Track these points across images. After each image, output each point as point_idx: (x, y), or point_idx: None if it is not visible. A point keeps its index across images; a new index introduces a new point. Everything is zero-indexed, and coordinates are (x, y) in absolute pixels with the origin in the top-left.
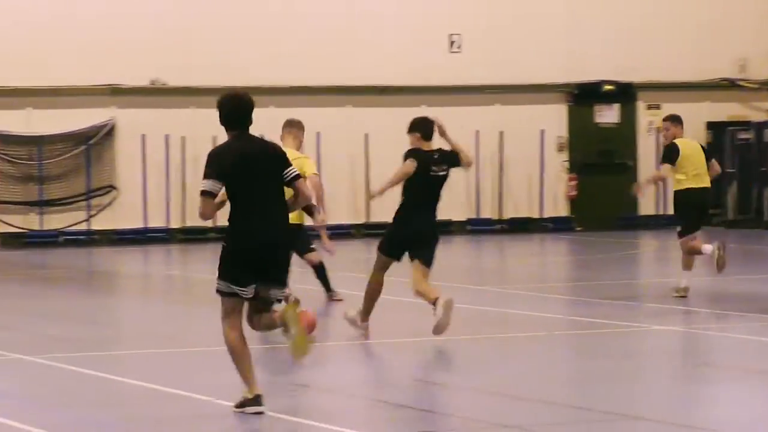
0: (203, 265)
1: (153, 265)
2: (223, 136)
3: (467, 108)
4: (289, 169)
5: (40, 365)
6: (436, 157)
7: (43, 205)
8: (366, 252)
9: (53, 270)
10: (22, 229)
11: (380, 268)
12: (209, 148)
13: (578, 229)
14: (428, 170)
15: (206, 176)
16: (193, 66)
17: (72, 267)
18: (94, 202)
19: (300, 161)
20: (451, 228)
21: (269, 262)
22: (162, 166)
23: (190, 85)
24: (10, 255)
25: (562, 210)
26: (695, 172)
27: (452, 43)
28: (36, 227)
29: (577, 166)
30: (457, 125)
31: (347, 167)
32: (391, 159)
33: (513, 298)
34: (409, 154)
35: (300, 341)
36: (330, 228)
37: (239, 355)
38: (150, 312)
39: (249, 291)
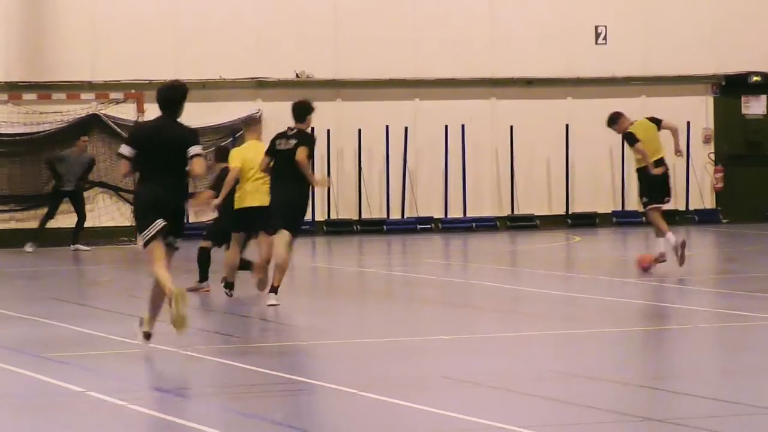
0: (348, 258)
1: (297, 257)
2: (367, 129)
3: (612, 100)
4: (190, 149)
5: (189, 357)
6: None
7: (191, 198)
8: (510, 244)
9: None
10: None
11: None
12: (354, 140)
13: (725, 221)
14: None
15: (124, 143)
16: (338, 59)
17: (220, 261)
18: None
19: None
20: (596, 220)
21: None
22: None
23: (336, 77)
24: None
25: (709, 202)
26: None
27: (598, 34)
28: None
29: (723, 158)
30: (602, 117)
31: (492, 159)
32: (535, 151)
33: (658, 291)
34: None
35: (178, 318)
36: (474, 220)
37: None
38: (295, 304)
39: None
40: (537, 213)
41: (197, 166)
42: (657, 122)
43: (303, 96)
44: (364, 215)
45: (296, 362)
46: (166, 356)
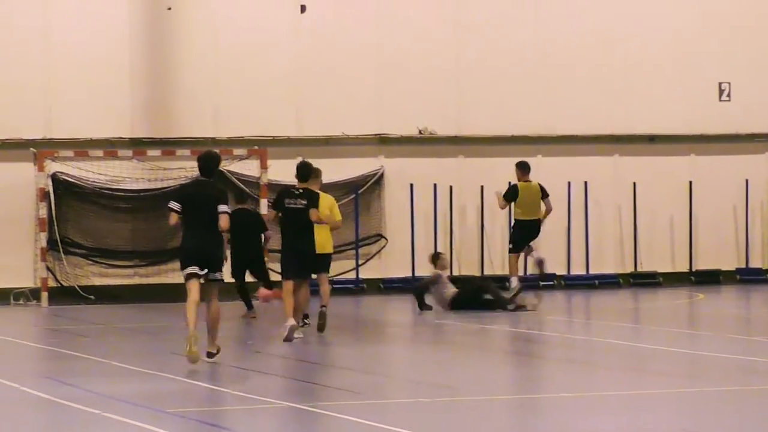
0: (470, 315)
1: (421, 313)
2: (490, 185)
3: (736, 156)
4: (219, 207)
5: (309, 413)
6: None
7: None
8: (633, 301)
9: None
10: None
11: None
12: (477, 197)
13: None
14: None
15: (173, 199)
16: (461, 115)
17: (341, 315)
18: (363, 250)
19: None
20: (720, 277)
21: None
22: (430, 215)
23: (458, 134)
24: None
25: None
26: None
27: (722, 91)
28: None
29: None
30: (726, 174)
31: (614, 216)
32: (658, 207)
33: None
34: None
35: (191, 355)
36: (596, 276)
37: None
38: (416, 359)
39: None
40: (660, 270)
41: (223, 222)
42: (544, 192)
43: (426, 152)
44: (486, 271)
45: (431, 420)
46: (291, 413)
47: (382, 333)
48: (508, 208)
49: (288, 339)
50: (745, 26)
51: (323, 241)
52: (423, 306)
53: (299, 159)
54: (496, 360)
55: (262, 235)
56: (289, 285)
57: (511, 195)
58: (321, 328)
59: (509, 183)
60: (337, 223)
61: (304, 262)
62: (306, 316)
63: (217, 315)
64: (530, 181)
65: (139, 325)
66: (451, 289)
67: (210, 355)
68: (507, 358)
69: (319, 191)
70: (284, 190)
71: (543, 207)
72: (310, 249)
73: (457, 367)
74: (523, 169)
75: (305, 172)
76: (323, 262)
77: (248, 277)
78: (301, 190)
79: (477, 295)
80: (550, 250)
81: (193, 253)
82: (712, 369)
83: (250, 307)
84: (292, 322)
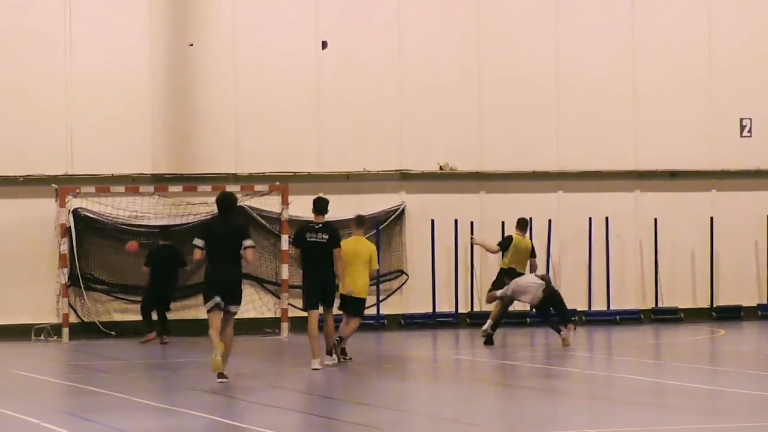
0: (490, 351)
1: (442, 349)
2: (510, 221)
3: (758, 192)
4: (244, 242)
5: None
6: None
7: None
8: (654, 337)
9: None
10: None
11: None
12: (497, 232)
13: None
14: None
15: (197, 236)
16: (482, 151)
17: (362, 351)
18: (384, 286)
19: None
20: (741, 313)
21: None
22: (451, 251)
23: (480, 170)
24: (296, 338)
25: None
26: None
27: (743, 127)
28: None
29: None
30: (748, 210)
31: (636, 252)
32: (679, 243)
33: None
34: None
35: (215, 362)
36: (617, 312)
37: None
38: (441, 396)
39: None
40: (681, 306)
41: (249, 255)
42: (533, 252)
43: (447, 188)
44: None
45: None
46: None
47: (404, 369)
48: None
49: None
50: (767, 60)
51: (363, 285)
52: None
53: (320, 194)
54: (518, 396)
55: (180, 270)
56: (313, 317)
57: (504, 244)
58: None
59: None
60: (373, 272)
61: (325, 294)
62: (344, 351)
63: (230, 342)
64: (524, 237)
65: (160, 361)
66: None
67: (221, 375)
68: (529, 393)
69: (364, 238)
70: (304, 225)
71: (529, 265)
72: (329, 281)
73: (480, 404)
74: (522, 226)
75: (321, 206)
76: (358, 305)
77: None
78: (320, 225)
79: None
80: (571, 285)
81: (218, 285)
82: (733, 405)
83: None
84: (317, 365)
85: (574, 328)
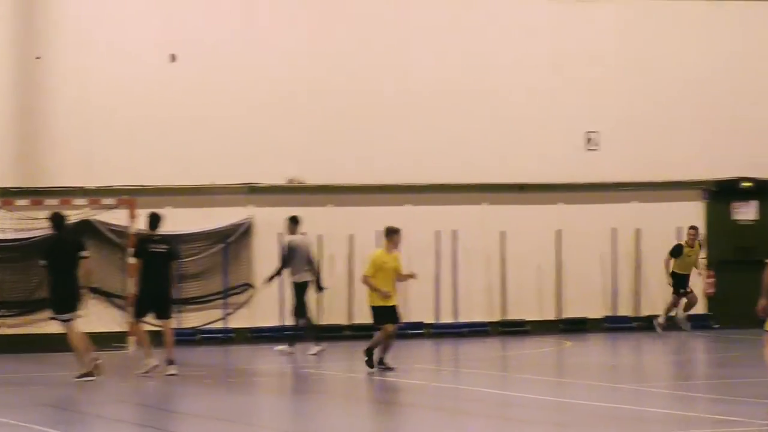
0: (338, 363)
1: (289, 362)
2: (359, 234)
3: (603, 205)
4: (80, 253)
5: None
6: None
7: (181, 303)
8: (501, 349)
9: (190, 368)
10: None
11: None
12: (346, 246)
13: (716, 326)
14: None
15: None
16: (330, 164)
17: (209, 365)
18: (231, 300)
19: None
20: (587, 325)
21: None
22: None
23: (328, 183)
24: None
25: (700, 307)
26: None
27: (589, 140)
28: (173, 325)
29: (714, 263)
30: (594, 223)
31: (483, 264)
32: (527, 256)
33: (649, 397)
34: None
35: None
36: (465, 325)
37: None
38: (287, 409)
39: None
40: (528, 318)
41: (86, 265)
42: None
43: (295, 201)
44: (356, 320)
45: None
46: None
47: (249, 382)
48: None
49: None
50: (612, 76)
51: (395, 292)
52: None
53: (168, 208)
54: (362, 409)
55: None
56: (141, 325)
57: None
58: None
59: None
60: (404, 278)
61: (159, 303)
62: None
63: (78, 345)
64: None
65: (7, 376)
66: None
67: (83, 375)
68: (373, 406)
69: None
70: (145, 236)
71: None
72: (165, 291)
73: (322, 417)
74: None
75: (155, 221)
76: (395, 311)
77: None
78: (159, 236)
79: None
80: (419, 298)
81: (51, 295)
82: (578, 417)
83: None
84: (154, 362)
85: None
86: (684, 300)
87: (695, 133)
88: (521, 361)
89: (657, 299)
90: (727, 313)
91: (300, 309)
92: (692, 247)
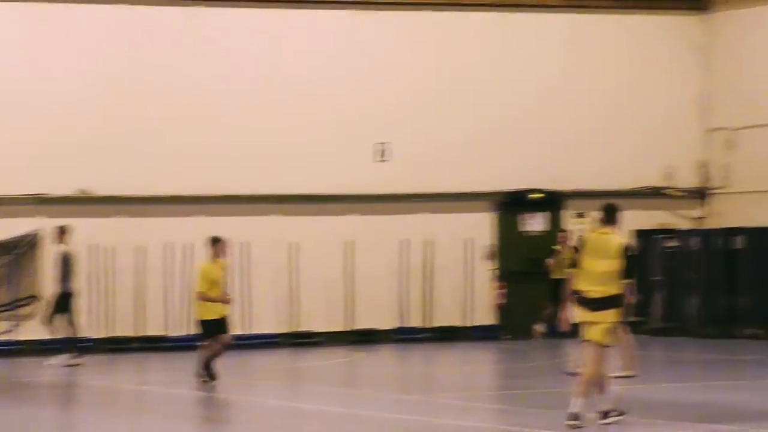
0: (127, 375)
1: (76, 374)
2: (151, 247)
3: (395, 216)
4: None
5: None
6: None
7: None
8: (292, 361)
9: None
10: None
11: None
12: (134, 257)
13: (506, 337)
14: None
15: None
16: (120, 175)
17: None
18: (21, 311)
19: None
20: (377, 337)
21: None
22: (93, 276)
23: (117, 194)
24: None
25: (490, 318)
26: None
27: (380, 151)
28: None
29: (505, 275)
30: (384, 234)
31: (274, 276)
32: (319, 267)
33: (440, 408)
34: None
35: None
36: (255, 337)
37: None
38: (74, 421)
39: None
40: (319, 330)
41: None
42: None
43: (85, 212)
44: (146, 332)
45: None
46: None
47: (36, 395)
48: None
49: None
50: (403, 87)
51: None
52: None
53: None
54: (144, 421)
55: None
56: None
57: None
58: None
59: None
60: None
61: None
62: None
63: None
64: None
65: None
66: None
67: None
68: (152, 418)
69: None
70: None
71: None
72: None
73: (77, 427)
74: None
75: None
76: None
77: None
78: None
79: None
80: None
81: None
82: (365, 429)
83: None
84: None
85: None
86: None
87: (485, 145)
88: (312, 372)
89: (447, 310)
90: (517, 324)
91: (61, 319)
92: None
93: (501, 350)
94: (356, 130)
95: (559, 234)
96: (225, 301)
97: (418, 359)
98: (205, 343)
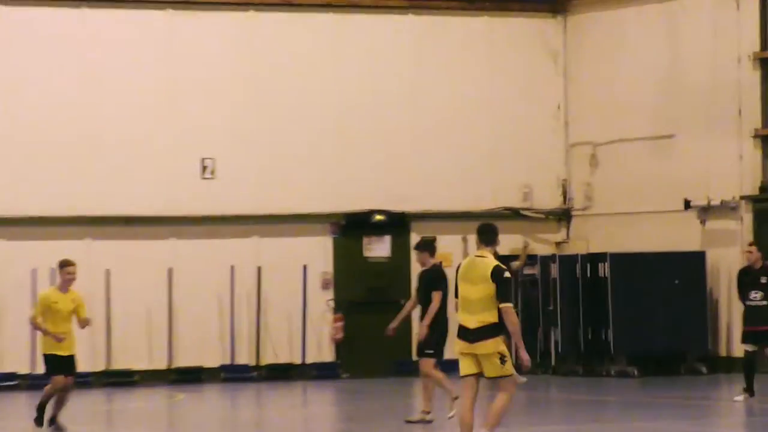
0: None
1: None
2: None
3: (222, 240)
4: None
5: None
6: None
7: None
8: (105, 403)
9: None
10: None
11: None
12: None
13: (345, 375)
14: None
15: None
16: None
17: None
18: None
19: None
20: (201, 376)
21: None
22: None
23: None
24: None
25: (327, 355)
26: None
27: (205, 168)
28: None
29: (343, 306)
30: (211, 259)
31: (87, 306)
32: (135, 297)
33: None
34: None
35: None
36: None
37: None
38: None
39: None
40: (136, 367)
41: None
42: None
43: None
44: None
45: None
46: None
47: None
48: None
49: None
50: (228, 96)
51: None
52: None
53: None
54: None
55: None
56: None
57: None
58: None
59: None
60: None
61: None
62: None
63: None
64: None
65: None
66: None
67: None
68: None
69: None
70: None
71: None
72: None
73: None
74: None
75: None
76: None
77: None
78: None
79: None
80: (12, 344)
81: None
82: None
83: None
84: None
85: None
86: None
87: (323, 161)
88: (126, 416)
89: (281, 345)
90: (358, 361)
91: None
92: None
93: (339, 390)
94: (178, 144)
95: None
96: (57, 338)
97: (247, 401)
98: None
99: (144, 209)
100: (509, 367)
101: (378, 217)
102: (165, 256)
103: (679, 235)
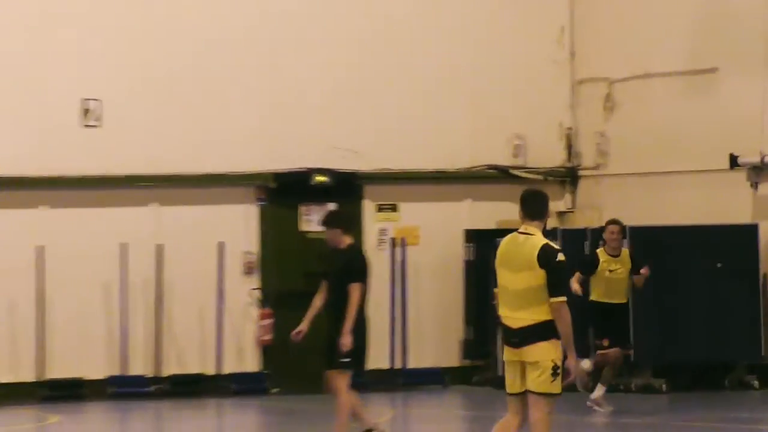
0: None
1: None
2: None
3: (110, 209)
4: None
5: None
6: None
7: None
8: None
9: None
10: None
11: None
12: None
13: (274, 390)
14: None
15: None
16: None
17: None
18: None
19: None
20: (82, 391)
21: None
22: None
23: None
24: None
25: (251, 363)
26: None
27: (87, 112)
28: None
29: (273, 298)
30: (95, 234)
31: None
32: None
33: None
34: None
35: None
36: None
37: None
38: None
39: None
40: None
41: None
42: None
43: None
44: None
45: None
46: None
47: None
48: None
49: None
50: (120, 23)
51: None
52: None
53: None
54: None
55: None
56: None
57: None
58: None
59: None
60: None
61: None
62: None
63: None
64: None
65: None
66: None
67: None
68: None
69: None
70: None
71: None
72: None
73: None
74: None
75: None
76: None
77: None
78: None
79: None
80: None
81: None
82: None
83: None
84: None
85: None
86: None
87: (245, 107)
88: None
89: (187, 353)
90: (292, 371)
91: None
92: (616, 256)
93: (265, 410)
94: (50, 81)
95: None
96: None
97: (142, 424)
98: None
99: (5, 168)
100: (558, 385)
101: (319, 178)
102: (33, 231)
103: (722, 203)
